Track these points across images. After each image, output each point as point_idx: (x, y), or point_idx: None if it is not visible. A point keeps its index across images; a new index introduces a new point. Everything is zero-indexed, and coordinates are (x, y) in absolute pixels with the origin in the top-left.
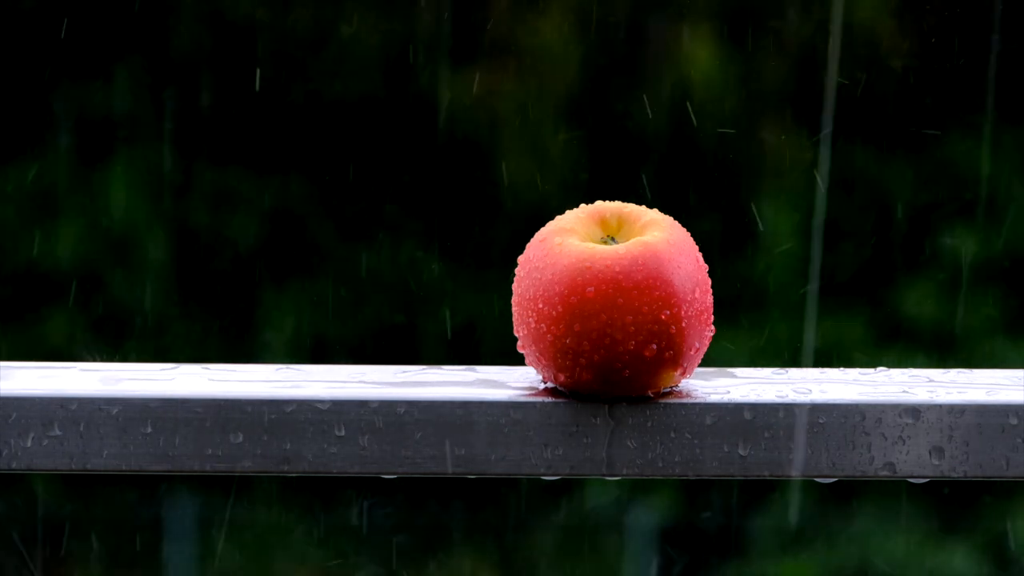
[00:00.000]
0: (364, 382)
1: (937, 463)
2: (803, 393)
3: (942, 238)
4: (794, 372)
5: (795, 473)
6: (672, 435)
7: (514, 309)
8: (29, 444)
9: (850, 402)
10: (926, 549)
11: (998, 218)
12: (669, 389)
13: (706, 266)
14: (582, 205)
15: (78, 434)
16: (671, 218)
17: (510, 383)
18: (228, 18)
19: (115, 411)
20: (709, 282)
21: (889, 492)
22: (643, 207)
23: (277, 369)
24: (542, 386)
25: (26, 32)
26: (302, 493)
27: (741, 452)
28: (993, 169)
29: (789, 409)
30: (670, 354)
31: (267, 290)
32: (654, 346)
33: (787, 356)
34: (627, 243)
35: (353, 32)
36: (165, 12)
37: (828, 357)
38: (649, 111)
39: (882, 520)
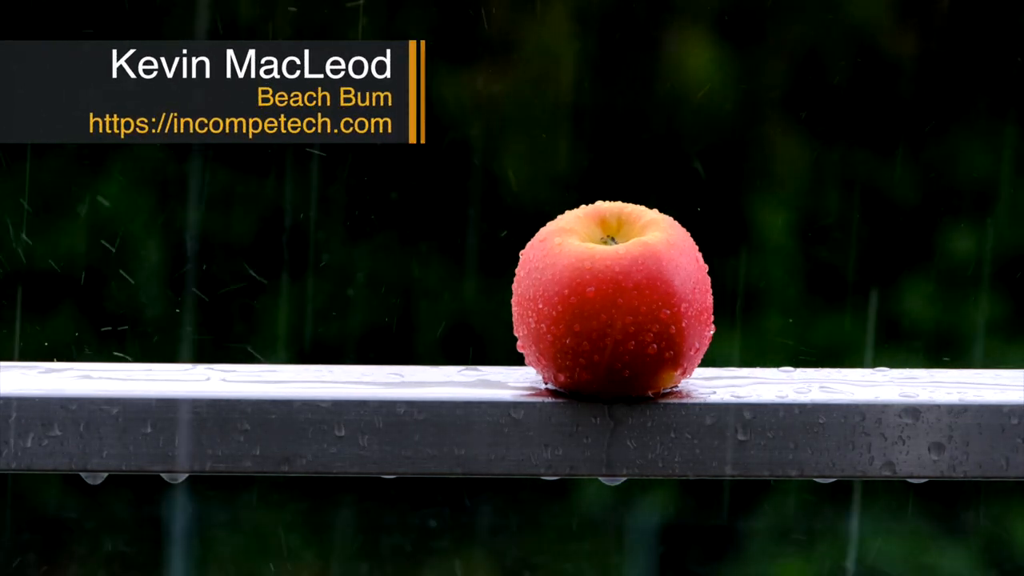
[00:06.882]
0: (364, 382)
1: (937, 463)
2: (803, 393)
3: (942, 238)
4: (794, 372)
5: (795, 473)
6: (672, 435)
7: (514, 309)
8: (29, 444)
9: (850, 402)
10: (925, 549)
11: (998, 218)
12: (669, 389)
13: (706, 266)
14: (582, 205)
15: (78, 434)
16: (671, 218)
17: (510, 383)
18: (222, 14)
19: (115, 411)
20: (709, 282)
21: (888, 492)
22: (643, 207)
23: (276, 369)
24: (542, 386)
25: (26, 28)
26: (301, 493)
27: (741, 452)
28: (994, 168)
29: (789, 409)
30: (670, 354)
31: (266, 290)
32: (654, 346)
33: (786, 356)
34: (627, 243)
35: (349, 29)
36: (160, 9)
37: (827, 357)
38: (648, 111)
39: (881, 520)
